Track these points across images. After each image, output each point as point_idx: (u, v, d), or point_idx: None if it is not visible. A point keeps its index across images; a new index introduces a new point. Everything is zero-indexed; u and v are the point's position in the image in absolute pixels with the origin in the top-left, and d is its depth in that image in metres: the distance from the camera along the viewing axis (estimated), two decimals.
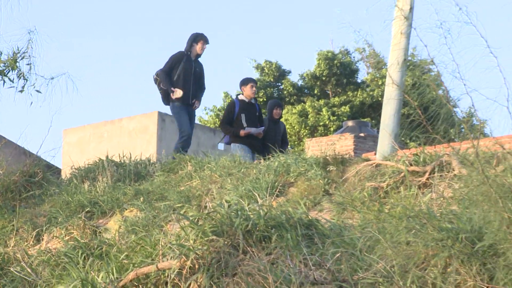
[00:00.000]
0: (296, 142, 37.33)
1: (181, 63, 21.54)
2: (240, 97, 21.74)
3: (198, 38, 21.90)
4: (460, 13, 11.61)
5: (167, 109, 30.71)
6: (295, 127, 40.21)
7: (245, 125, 21.49)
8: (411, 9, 21.89)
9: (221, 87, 75.65)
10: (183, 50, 21.86)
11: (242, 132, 21.51)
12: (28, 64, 23.50)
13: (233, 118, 21.94)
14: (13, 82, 23.64)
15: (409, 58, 23.67)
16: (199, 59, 22.20)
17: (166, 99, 22.20)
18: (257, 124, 21.58)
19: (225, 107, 22.14)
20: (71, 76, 23.35)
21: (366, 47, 43.70)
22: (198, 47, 21.70)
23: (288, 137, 35.50)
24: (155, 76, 22.04)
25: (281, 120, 22.82)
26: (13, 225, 19.74)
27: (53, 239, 19.02)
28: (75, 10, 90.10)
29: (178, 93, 21.31)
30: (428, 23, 17.58)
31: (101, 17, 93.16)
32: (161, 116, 26.62)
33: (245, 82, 21.69)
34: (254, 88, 21.70)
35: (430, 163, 17.85)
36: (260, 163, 20.99)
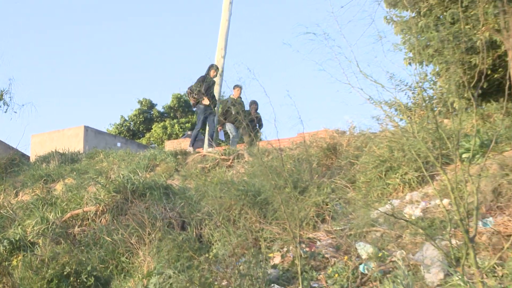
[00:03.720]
0: (160, 143, 37.03)
1: (204, 82, 20.78)
2: (231, 96, 21.06)
3: (210, 68, 20.68)
4: (249, 73, 11.68)
5: (89, 124, 30.16)
6: (160, 135, 39.86)
7: (232, 112, 20.81)
8: (223, 71, 21.88)
9: (119, 112, 74.50)
10: (204, 74, 21.18)
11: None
12: (9, 97, 24.03)
13: (227, 109, 21.28)
14: (1, 106, 24.06)
15: (221, 97, 23.66)
16: (215, 79, 21.47)
17: (196, 105, 21.30)
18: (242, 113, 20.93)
19: (224, 102, 21.28)
20: (34, 104, 25.41)
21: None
22: (211, 72, 20.88)
23: (180, 136, 35.39)
24: (188, 90, 21.22)
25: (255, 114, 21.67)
26: (2, 187, 19.42)
27: (25, 195, 18.74)
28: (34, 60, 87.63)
29: (206, 100, 20.47)
30: (233, 78, 17.71)
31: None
32: (86, 128, 26.14)
33: (235, 87, 21.09)
34: (240, 91, 21.10)
35: (232, 154, 17.96)
36: (140, 153, 20.83)
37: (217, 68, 20.98)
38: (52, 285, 9.99)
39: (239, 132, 20.66)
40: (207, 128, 21.80)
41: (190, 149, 20.27)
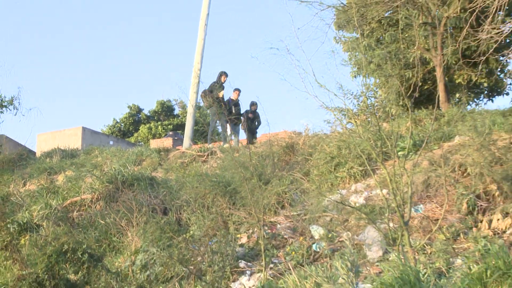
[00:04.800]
0: (146, 141, 36.73)
1: (217, 86, 20.01)
2: (231, 97, 20.25)
3: (222, 74, 19.81)
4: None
5: (86, 125, 29.85)
6: (146, 135, 39.54)
7: (233, 111, 19.84)
8: (199, 81, 21.73)
9: (112, 115, 73.60)
10: (215, 80, 19.94)
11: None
12: (18, 102, 23.93)
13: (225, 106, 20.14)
14: (11, 110, 23.87)
15: (198, 101, 23.45)
16: (224, 84, 19.81)
17: (209, 106, 20.47)
18: (238, 111, 20.06)
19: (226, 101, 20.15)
20: (39, 108, 25.54)
21: (178, 98, 43.24)
22: (222, 78, 20.21)
23: (163, 135, 35.00)
24: (202, 94, 20.10)
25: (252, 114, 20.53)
26: (12, 178, 19.11)
27: (32, 184, 18.42)
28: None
29: (221, 93, 19.87)
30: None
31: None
32: (83, 128, 25.69)
33: (235, 90, 20.31)
34: (238, 93, 20.45)
35: (207, 151, 17.84)
36: (129, 150, 20.61)
37: (227, 74, 20.38)
38: (51, 259, 9.91)
39: (238, 128, 20.15)
40: (186, 128, 21.69)
41: (210, 145, 19.40)
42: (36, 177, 19.09)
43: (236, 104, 20.10)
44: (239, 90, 20.12)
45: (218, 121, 19.88)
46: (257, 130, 20.25)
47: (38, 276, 9.52)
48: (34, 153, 24.65)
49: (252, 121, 19.96)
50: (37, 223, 14.72)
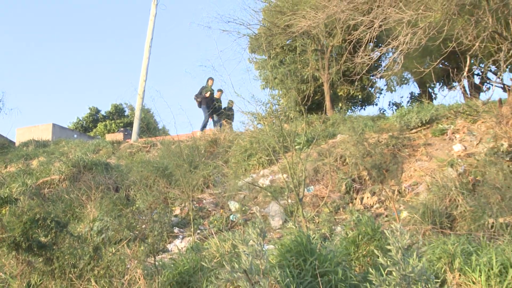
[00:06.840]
0: (102, 135, 35.77)
1: (205, 88, 18.90)
2: (215, 96, 19.18)
3: (208, 79, 18.46)
4: (158, 94, 11.56)
5: (56, 121, 28.70)
6: (103, 130, 38.56)
7: (217, 107, 18.77)
8: (144, 91, 21.28)
9: (76, 114, 71.09)
10: (205, 84, 18.61)
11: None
12: (2, 103, 23.06)
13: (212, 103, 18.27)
14: None
15: (143, 107, 22.98)
16: (212, 87, 18.45)
17: (200, 105, 19.35)
18: (219, 107, 18.57)
19: (211, 99, 18.82)
20: (19, 108, 24.41)
21: (129, 103, 42.33)
22: (209, 82, 19.21)
23: (116, 131, 33.93)
24: (194, 97, 18.55)
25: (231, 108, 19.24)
26: None
27: (12, 167, 17.58)
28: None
29: (208, 93, 18.91)
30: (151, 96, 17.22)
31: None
32: (53, 125, 24.78)
33: (218, 90, 19.37)
34: (220, 94, 19.40)
35: (150, 144, 17.52)
36: (89, 142, 20.02)
37: (213, 79, 19.37)
38: (26, 225, 9.53)
39: (221, 121, 19.48)
40: (134, 125, 21.26)
41: (201, 133, 17.67)
42: (15, 162, 18.31)
43: (217, 100, 19.26)
44: (221, 91, 19.48)
45: (208, 116, 19.03)
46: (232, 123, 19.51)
47: (16, 239, 9.14)
48: (14, 143, 23.69)
49: (229, 113, 19.20)
50: (16, 197, 14.16)
